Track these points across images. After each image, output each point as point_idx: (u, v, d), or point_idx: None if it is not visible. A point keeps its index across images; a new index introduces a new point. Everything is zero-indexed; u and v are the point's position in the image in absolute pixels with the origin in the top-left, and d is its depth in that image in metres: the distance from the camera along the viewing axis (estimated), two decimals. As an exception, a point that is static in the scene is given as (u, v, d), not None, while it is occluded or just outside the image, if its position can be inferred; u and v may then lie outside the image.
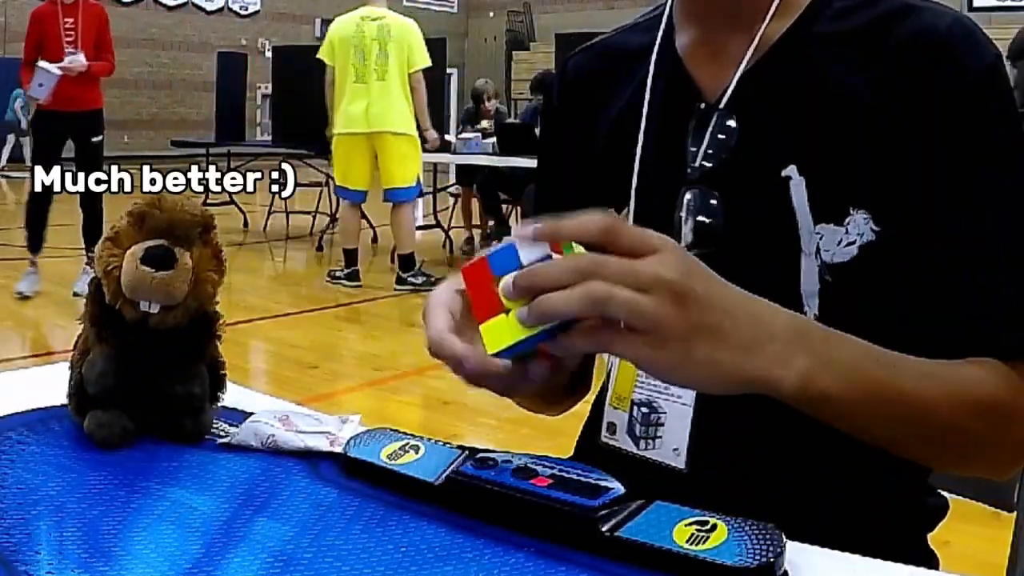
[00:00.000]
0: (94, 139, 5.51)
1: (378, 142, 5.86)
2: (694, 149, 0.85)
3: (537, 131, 6.79)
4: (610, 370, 0.91)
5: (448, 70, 11.70)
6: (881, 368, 0.72)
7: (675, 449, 0.85)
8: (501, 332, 0.61)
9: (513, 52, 19.19)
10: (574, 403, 1.05)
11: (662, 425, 0.86)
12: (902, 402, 0.71)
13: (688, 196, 0.85)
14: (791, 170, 0.81)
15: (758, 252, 0.83)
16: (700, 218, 0.84)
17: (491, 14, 22.06)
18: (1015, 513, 1.00)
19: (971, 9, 14.51)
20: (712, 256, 0.83)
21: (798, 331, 0.67)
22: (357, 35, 5.83)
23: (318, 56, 6.03)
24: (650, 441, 0.87)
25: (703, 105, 0.86)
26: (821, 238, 0.81)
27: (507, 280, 0.61)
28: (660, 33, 0.92)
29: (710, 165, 0.84)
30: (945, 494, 0.99)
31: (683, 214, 0.85)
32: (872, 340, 0.71)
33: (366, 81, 5.82)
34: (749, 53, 0.84)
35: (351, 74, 5.83)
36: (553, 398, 1.01)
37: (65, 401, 0.87)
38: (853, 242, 0.80)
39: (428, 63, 5.96)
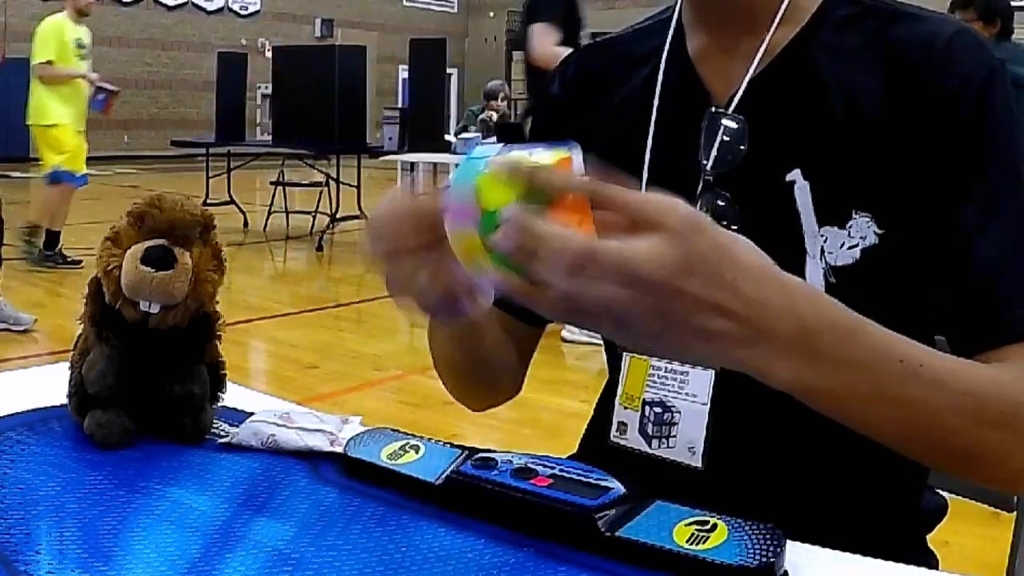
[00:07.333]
0: None
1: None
2: (705, 152, 0.86)
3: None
4: (618, 369, 0.91)
5: (448, 70, 11.68)
6: (891, 373, 0.70)
7: (691, 448, 0.85)
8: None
9: (513, 52, 19.17)
10: (495, 401, 1.02)
11: (676, 424, 0.86)
12: (906, 408, 0.70)
13: (702, 199, 0.85)
14: (795, 174, 0.82)
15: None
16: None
17: (491, 14, 22.05)
18: (1015, 513, 1.00)
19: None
20: None
21: (804, 331, 0.65)
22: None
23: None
24: (663, 440, 0.87)
25: (714, 109, 0.86)
26: (825, 240, 0.81)
27: (507, 231, 0.54)
28: (670, 35, 0.92)
29: (723, 168, 0.85)
30: (945, 494, 0.99)
31: None
32: None
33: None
34: (757, 59, 0.85)
35: None
36: (467, 369, 0.96)
37: (65, 401, 0.87)
38: (856, 245, 0.81)
39: (46, 56, 6.07)
